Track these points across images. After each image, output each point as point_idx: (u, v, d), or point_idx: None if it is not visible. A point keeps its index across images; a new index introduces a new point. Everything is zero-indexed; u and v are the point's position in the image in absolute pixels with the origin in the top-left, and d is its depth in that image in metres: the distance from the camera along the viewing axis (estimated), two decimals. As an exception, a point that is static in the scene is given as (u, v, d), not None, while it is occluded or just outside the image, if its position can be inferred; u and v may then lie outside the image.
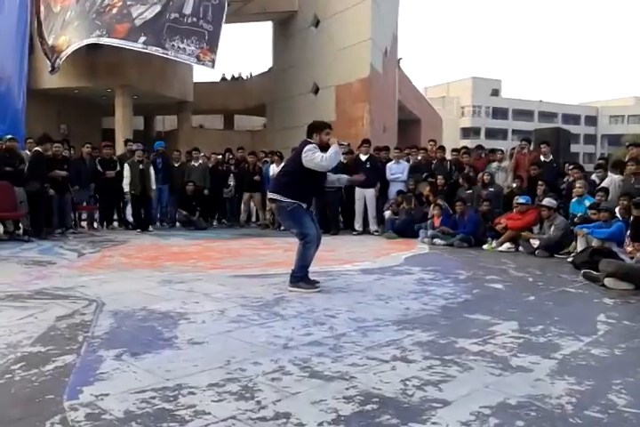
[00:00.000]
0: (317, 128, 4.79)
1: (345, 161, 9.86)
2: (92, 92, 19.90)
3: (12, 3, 18.70)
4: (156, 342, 3.25)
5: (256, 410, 2.32)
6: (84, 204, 10.05)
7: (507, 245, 7.67)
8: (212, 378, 2.66)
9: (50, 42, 17.64)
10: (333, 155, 4.56)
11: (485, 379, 2.71)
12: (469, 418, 2.27)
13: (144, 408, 2.33)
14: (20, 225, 8.37)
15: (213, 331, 3.48)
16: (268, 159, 11.06)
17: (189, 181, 10.38)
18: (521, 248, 7.58)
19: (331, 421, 2.23)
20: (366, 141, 10.18)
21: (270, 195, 4.92)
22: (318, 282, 4.81)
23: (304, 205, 4.74)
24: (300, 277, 4.73)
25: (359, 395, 2.49)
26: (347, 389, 2.56)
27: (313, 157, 4.54)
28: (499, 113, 60.86)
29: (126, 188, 9.54)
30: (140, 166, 9.66)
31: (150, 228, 9.79)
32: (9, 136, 9.16)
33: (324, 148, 4.63)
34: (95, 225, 10.07)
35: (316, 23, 18.89)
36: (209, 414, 2.28)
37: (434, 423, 2.23)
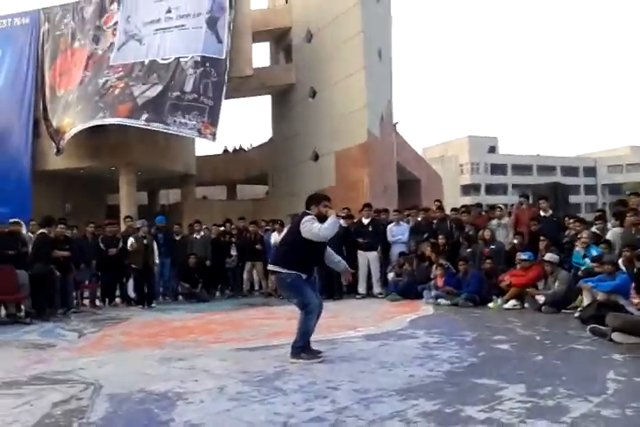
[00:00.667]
0: (315, 200, 4.87)
1: (346, 225, 9.95)
2: (97, 171, 20.37)
3: (17, 88, 19.59)
4: (152, 426, 3.15)
5: None
6: (87, 282, 10.03)
7: (512, 303, 7.55)
8: (209, 463, 2.56)
9: (54, 124, 18.28)
10: (331, 225, 4.60)
11: (493, 450, 2.60)
12: None
13: None
14: (22, 307, 8.32)
15: (212, 411, 3.37)
16: (269, 228, 11.13)
17: (191, 253, 10.42)
18: (527, 305, 7.47)
19: None
20: (367, 205, 10.29)
21: (270, 267, 4.94)
22: (320, 352, 4.71)
23: (304, 276, 4.73)
24: (302, 347, 4.64)
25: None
26: (348, 469, 2.45)
27: (311, 228, 4.59)
28: (497, 169, 61.67)
29: (130, 247, 9.62)
30: (145, 242, 9.75)
31: (153, 303, 9.72)
32: (12, 220, 9.31)
33: (322, 219, 4.68)
34: (97, 303, 10.00)
35: (313, 94, 19.60)
36: None
37: None
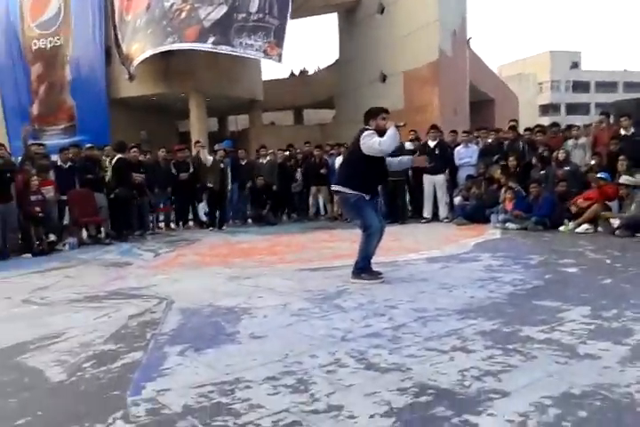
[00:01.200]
0: (373, 114, 4.74)
1: (413, 148, 9.72)
2: (168, 98, 20.66)
3: (87, 15, 19.77)
4: (219, 337, 3.34)
5: (309, 403, 2.34)
6: (161, 206, 10.46)
7: (585, 227, 7.26)
8: (269, 372, 2.71)
9: (124, 50, 18.47)
10: (391, 137, 4.49)
11: (549, 368, 2.59)
12: (528, 409, 2.19)
13: (201, 402, 2.40)
14: (102, 229, 8.83)
15: (274, 325, 3.53)
16: (334, 152, 11.05)
17: (259, 175, 10.58)
18: (600, 229, 7.17)
19: (383, 413, 2.21)
20: (434, 127, 9.93)
21: (333, 187, 4.94)
22: (381, 273, 4.77)
23: (367, 197, 4.70)
24: (363, 268, 4.71)
25: (414, 387, 2.45)
26: (402, 380, 2.53)
27: (371, 143, 4.50)
28: (580, 87, 57.58)
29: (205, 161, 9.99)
30: (221, 165, 10.00)
31: (224, 226, 10.07)
32: (88, 145, 9.70)
33: (382, 133, 4.56)
34: (172, 225, 10.47)
35: (381, 10, 18.65)
36: (263, 407, 2.33)
37: (489, 415, 2.17)
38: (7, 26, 21.13)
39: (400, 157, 5.12)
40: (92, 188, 8.65)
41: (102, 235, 8.70)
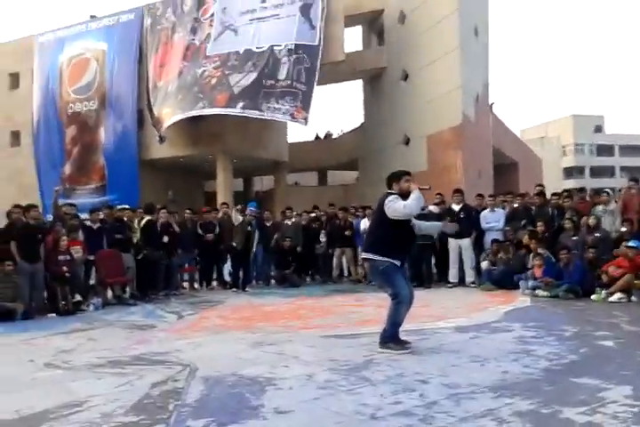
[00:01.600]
0: (395, 178, 4.75)
1: (439, 212, 9.71)
2: (196, 159, 21.22)
3: (124, 82, 20.74)
4: (243, 410, 3.23)
5: None
6: (186, 265, 10.49)
7: (618, 296, 7.04)
8: (296, 453, 2.58)
9: (155, 114, 19.21)
10: (416, 199, 4.47)
11: (594, 457, 2.43)
12: None
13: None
14: (127, 289, 8.85)
15: (300, 398, 3.40)
16: (359, 214, 11.09)
17: (287, 236, 10.60)
18: (634, 298, 6.94)
19: None
20: (458, 191, 9.95)
21: (363, 255, 4.91)
22: (409, 342, 4.63)
23: (397, 263, 4.64)
24: (391, 337, 4.58)
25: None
26: (437, 467, 2.38)
27: (396, 207, 4.49)
28: (604, 150, 57.73)
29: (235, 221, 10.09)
30: (249, 228, 10.09)
31: (247, 287, 10.02)
32: (120, 206, 9.90)
33: (405, 196, 4.56)
34: (196, 286, 10.46)
35: (405, 77, 19.24)
36: None
37: None
38: (47, 92, 22.29)
39: (431, 222, 5.08)
40: (120, 248, 8.75)
41: (127, 295, 8.70)
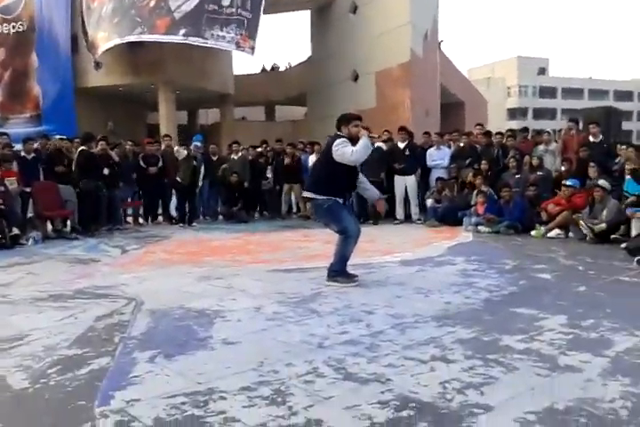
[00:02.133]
0: (345, 120, 4.65)
1: (385, 149, 9.70)
2: (136, 89, 20.28)
3: (56, 2, 19.23)
4: (190, 342, 3.22)
5: (287, 416, 2.25)
6: (129, 200, 10.20)
7: (556, 232, 7.35)
8: (244, 381, 2.60)
9: (89, 37, 18.01)
10: (363, 147, 4.42)
11: (531, 381, 2.56)
12: (513, 425, 2.14)
13: (174, 415, 2.28)
14: (68, 223, 8.55)
15: (248, 330, 3.42)
16: (307, 149, 10.96)
17: (233, 172, 10.41)
18: (571, 234, 7.25)
19: (364, 428, 2.13)
20: (403, 129, 9.92)
21: (305, 193, 4.85)
22: (356, 276, 4.70)
23: (340, 200, 4.63)
24: (338, 271, 4.63)
25: (395, 400, 2.38)
26: (382, 393, 2.45)
27: (343, 152, 4.43)
28: (546, 92, 58.70)
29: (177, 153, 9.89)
30: (194, 162, 9.80)
31: (194, 222, 9.88)
32: (58, 137, 9.39)
33: (354, 140, 4.49)
34: (140, 220, 10.22)
35: (354, 9, 18.63)
36: (239, 421, 2.22)
37: (474, 432, 2.10)
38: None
39: (370, 188, 4.95)
40: (59, 180, 8.36)
41: (68, 229, 8.42)
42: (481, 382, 2.55)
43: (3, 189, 7.46)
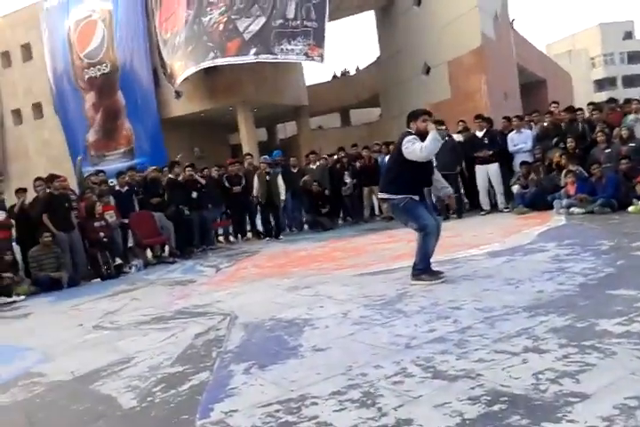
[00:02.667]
0: (413, 116, 4.64)
1: (463, 139, 9.50)
2: (216, 113, 21.08)
3: (134, 39, 20.41)
4: (282, 351, 3.32)
5: (377, 418, 2.27)
6: (218, 220, 10.62)
7: (657, 205, 6.86)
8: (335, 386, 2.65)
9: (168, 69, 18.93)
10: (432, 142, 4.37)
11: (631, 365, 2.42)
12: (612, 412, 2.03)
13: (269, 423, 2.37)
14: (166, 248, 9.05)
15: (336, 335, 3.47)
16: (383, 150, 10.91)
17: (314, 181, 10.59)
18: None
19: (455, 425, 2.12)
20: (478, 116, 9.64)
21: (380, 195, 4.84)
22: (442, 272, 4.63)
23: (416, 197, 4.60)
24: (423, 269, 4.59)
25: (486, 395, 2.33)
26: (472, 388, 2.41)
27: (413, 149, 4.41)
28: (635, 58, 54.73)
29: (255, 192, 10.08)
30: (267, 177, 10.07)
31: (281, 235, 10.11)
32: (152, 167, 9.98)
33: (423, 135, 4.45)
34: (231, 238, 10.62)
35: (418, 2, 18.40)
36: (330, 424, 2.28)
37: (570, 421, 2.03)
38: (59, 59, 22.14)
39: (443, 186, 4.90)
40: (153, 208, 8.87)
41: (166, 254, 8.91)
42: (577, 369, 2.44)
43: (104, 223, 8.03)
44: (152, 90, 20.36)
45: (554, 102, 10.21)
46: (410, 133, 4.54)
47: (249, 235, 10.68)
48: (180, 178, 9.42)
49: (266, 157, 10.47)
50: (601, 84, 53.47)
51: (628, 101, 9.39)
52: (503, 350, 2.81)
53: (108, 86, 21.30)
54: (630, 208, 7.10)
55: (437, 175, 4.84)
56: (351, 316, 3.88)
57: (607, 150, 8.21)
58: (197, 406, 2.66)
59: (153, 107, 20.42)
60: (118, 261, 7.86)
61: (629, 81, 53.30)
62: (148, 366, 3.40)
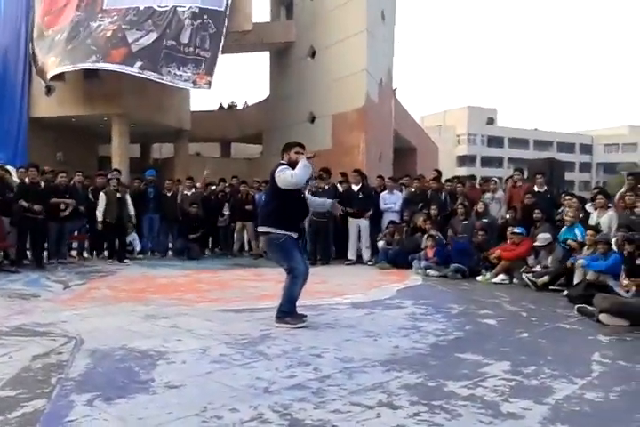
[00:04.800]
0: (286, 148, 4.79)
1: (342, 190, 9.88)
2: (89, 120, 19.94)
3: (12, 30, 18.98)
4: (131, 385, 3.11)
5: (228, 465, 2.19)
6: (75, 233, 9.91)
7: (501, 277, 7.54)
8: (186, 427, 2.52)
9: (39, 62, 17.68)
10: (302, 169, 4.53)
11: (474, 428, 2.57)
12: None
13: (110, 463, 2.19)
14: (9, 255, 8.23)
15: (193, 372, 3.33)
16: (262, 188, 10.98)
17: (193, 203, 10.36)
18: (515, 280, 7.46)
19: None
20: (356, 171, 10.15)
21: (260, 228, 4.82)
22: (305, 316, 4.67)
23: (294, 235, 4.65)
24: (287, 312, 4.60)
25: (340, 447, 2.35)
26: (327, 439, 2.42)
27: (284, 177, 4.51)
28: (494, 141, 61.21)
29: (99, 216, 9.42)
30: (117, 195, 9.57)
31: (126, 259, 9.58)
32: None
33: (295, 166, 4.58)
34: (85, 255, 9.92)
35: (313, 54, 19.12)
36: (178, 469, 2.15)
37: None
38: None
39: (322, 199, 5.21)
40: (0, 211, 8.08)
41: (8, 262, 8.10)
42: (426, 429, 2.55)
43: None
44: (23, 84, 18.89)
45: (436, 170, 10.98)
46: (281, 164, 4.65)
47: (105, 253, 10.03)
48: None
49: (114, 172, 10.03)
50: (463, 160, 58.82)
51: (487, 181, 10.42)
52: (359, 403, 2.86)
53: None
54: (479, 278, 7.75)
55: (312, 198, 5.11)
56: (210, 353, 3.76)
57: (465, 222, 8.95)
58: (29, 439, 2.39)
59: (21, 102, 18.90)
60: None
61: (487, 161, 59.27)
62: (-27, 387, 3.02)
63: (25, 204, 8.20)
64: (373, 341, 4.19)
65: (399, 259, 8.93)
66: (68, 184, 9.42)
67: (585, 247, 6.85)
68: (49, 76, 16.77)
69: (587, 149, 66.13)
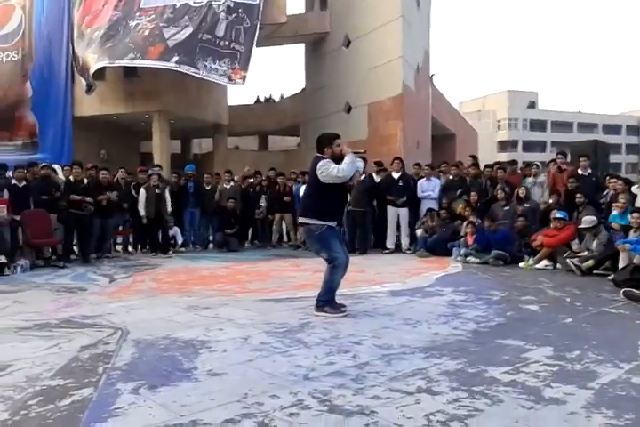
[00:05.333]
0: (326, 141, 4.65)
1: (379, 179, 9.83)
2: (131, 118, 20.40)
3: (56, 32, 19.46)
4: (174, 373, 3.19)
5: (270, 449, 2.22)
6: (120, 228, 10.17)
7: (544, 263, 7.38)
8: (228, 413, 2.57)
9: (80, 61, 18.09)
10: (349, 164, 4.46)
11: (516, 413, 2.54)
12: (496, 458, 2.12)
13: (154, 448, 2.25)
14: (57, 251, 8.52)
15: (234, 360, 3.39)
16: (299, 179, 11.04)
17: (229, 197, 10.45)
18: (559, 265, 7.29)
19: (347, 461, 2.12)
20: (397, 158, 10.07)
21: (300, 219, 4.84)
22: (345, 306, 4.69)
23: (333, 225, 4.65)
24: (327, 301, 4.62)
25: (379, 432, 2.36)
26: (366, 425, 2.43)
27: (329, 171, 4.45)
28: (536, 125, 59.66)
29: (142, 211, 9.63)
30: (157, 191, 9.74)
31: (170, 251, 9.80)
32: (43, 164, 9.42)
33: (339, 159, 4.53)
34: (129, 249, 10.18)
35: (347, 43, 19.01)
36: (220, 454, 2.20)
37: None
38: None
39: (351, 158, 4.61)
40: (48, 208, 8.36)
41: (55, 257, 8.38)
42: (466, 414, 2.53)
43: (-8, 216, 7.44)
44: (67, 84, 19.39)
45: (471, 156, 10.81)
46: (322, 158, 4.57)
47: (148, 247, 10.26)
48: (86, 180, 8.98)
49: (155, 168, 10.19)
50: (503, 146, 57.61)
51: (528, 165, 10.19)
52: (398, 389, 2.86)
53: (13, 75, 20.02)
54: (521, 264, 7.60)
55: (339, 168, 4.51)
56: (251, 341, 3.82)
57: (505, 208, 8.78)
58: (78, 425, 2.47)
59: (65, 102, 19.41)
60: (2, 259, 7.25)
61: (529, 146, 57.88)
62: (26, 376, 3.14)
63: (77, 197, 8.50)
64: (412, 328, 4.17)
65: (438, 247, 8.84)
66: (111, 180, 9.69)
67: (632, 230, 6.65)
68: (91, 71, 17.15)
69: (634, 130, 63.82)
